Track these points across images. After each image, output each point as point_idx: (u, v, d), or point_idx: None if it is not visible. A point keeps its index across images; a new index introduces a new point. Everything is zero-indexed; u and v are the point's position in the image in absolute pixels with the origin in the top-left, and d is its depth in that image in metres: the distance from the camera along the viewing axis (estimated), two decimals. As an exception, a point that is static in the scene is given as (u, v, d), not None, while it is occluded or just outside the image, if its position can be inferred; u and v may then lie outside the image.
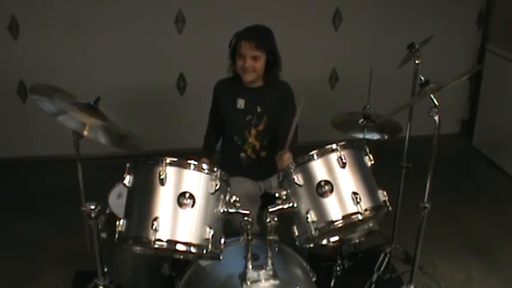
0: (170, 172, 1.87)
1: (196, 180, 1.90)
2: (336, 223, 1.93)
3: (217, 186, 1.91)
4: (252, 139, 2.66)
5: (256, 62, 2.54)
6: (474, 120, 4.57)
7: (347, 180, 1.97)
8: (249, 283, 1.98)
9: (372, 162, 2.08)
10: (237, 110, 2.65)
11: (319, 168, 1.98)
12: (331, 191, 1.94)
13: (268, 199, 2.53)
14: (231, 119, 2.68)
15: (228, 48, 2.61)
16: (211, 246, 1.86)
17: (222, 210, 1.93)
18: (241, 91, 2.64)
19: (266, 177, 2.72)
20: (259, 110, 2.63)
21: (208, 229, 1.86)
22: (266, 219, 1.97)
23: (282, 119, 2.60)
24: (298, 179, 1.98)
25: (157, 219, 1.81)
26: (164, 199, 1.85)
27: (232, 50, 2.59)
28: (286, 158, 2.26)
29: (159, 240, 1.80)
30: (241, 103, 2.64)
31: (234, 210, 1.95)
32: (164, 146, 3.98)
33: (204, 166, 1.92)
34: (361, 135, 2.60)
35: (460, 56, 4.51)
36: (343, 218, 1.93)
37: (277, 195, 2.02)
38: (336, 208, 1.94)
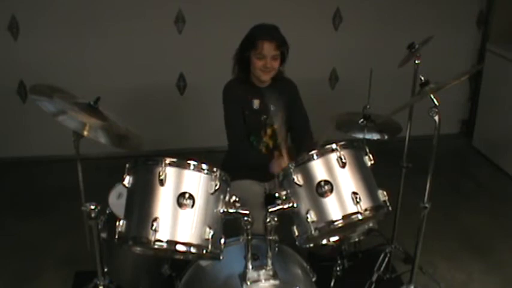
0: (170, 172, 1.87)
1: (196, 180, 1.90)
2: (335, 223, 1.93)
3: (217, 187, 1.91)
4: (266, 138, 2.68)
5: (276, 61, 2.57)
6: (474, 120, 4.57)
7: (347, 180, 1.97)
8: (249, 283, 1.98)
9: (372, 162, 2.08)
10: (254, 111, 2.65)
11: (319, 168, 1.98)
12: (331, 190, 1.94)
13: (271, 199, 2.53)
14: (247, 120, 2.67)
15: (240, 48, 2.60)
16: (211, 246, 1.86)
17: (221, 210, 1.93)
18: (254, 92, 2.65)
19: (271, 178, 2.71)
20: (272, 108, 2.64)
21: (208, 229, 1.86)
22: (266, 219, 1.97)
23: (295, 120, 2.70)
24: (298, 179, 1.98)
25: (157, 220, 1.81)
26: (164, 199, 1.85)
27: (245, 51, 2.58)
28: (282, 162, 2.37)
29: (159, 240, 1.80)
30: (256, 104, 2.65)
31: (234, 210, 1.95)
32: (164, 146, 3.98)
33: (204, 166, 1.92)
34: (361, 135, 2.60)
35: (460, 56, 4.51)
36: (343, 218, 1.92)
37: (277, 195, 2.02)
38: (335, 208, 1.93)
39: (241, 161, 2.63)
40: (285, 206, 1.99)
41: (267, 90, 2.66)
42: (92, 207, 2.13)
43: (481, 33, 4.48)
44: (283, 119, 2.64)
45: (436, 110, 2.13)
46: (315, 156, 1.98)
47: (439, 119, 2.14)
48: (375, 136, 2.63)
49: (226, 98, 2.67)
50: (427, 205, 2.29)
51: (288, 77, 2.75)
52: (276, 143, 2.68)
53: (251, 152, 2.67)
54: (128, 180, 1.93)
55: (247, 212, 1.96)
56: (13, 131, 4.20)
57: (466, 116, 4.77)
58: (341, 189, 1.95)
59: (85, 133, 2.06)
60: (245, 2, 4.03)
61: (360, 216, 1.92)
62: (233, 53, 2.67)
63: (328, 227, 1.93)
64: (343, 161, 1.97)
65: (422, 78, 2.24)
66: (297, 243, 2.02)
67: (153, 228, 1.79)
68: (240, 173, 2.54)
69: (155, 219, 1.80)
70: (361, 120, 2.67)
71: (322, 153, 1.99)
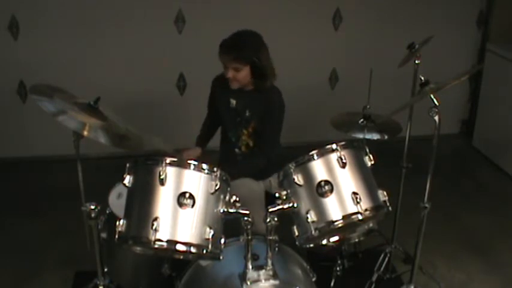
0: (170, 172, 1.88)
1: (196, 180, 1.90)
2: (336, 223, 1.93)
3: (217, 186, 1.91)
4: (245, 137, 2.67)
5: (238, 73, 2.51)
6: (474, 120, 4.57)
7: (347, 180, 1.97)
8: (249, 283, 1.98)
9: (372, 162, 2.08)
10: (230, 109, 2.66)
11: (319, 168, 1.98)
12: (331, 191, 1.94)
13: (269, 198, 2.53)
14: (224, 116, 2.70)
15: None
16: (211, 246, 1.86)
17: (222, 210, 1.93)
18: (233, 91, 2.62)
19: (265, 177, 2.72)
20: (247, 114, 2.62)
21: (208, 229, 1.86)
22: (266, 219, 1.97)
23: (264, 128, 2.62)
24: (298, 179, 1.98)
25: (157, 219, 1.81)
26: (164, 199, 1.85)
27: None
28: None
29: (159, 240, 1.80)
30: (233, 103, 2.65)
31: (234, 210, 1.95)
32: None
33: (204, 166, 1.92)
34: (361, 135, 2.60)
35: (460, 56, 4.51)
36: (343, 218, 1.93)
37: (277, 195, 2.02)
38: (336, 208, 1.94)
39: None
40: (285, 206, 1.99)
41: (246, 94, 2.62)
42: (92, 207, 2.13)
43: (481, 33, 4.48)
44: (255, 128, 2.64)
45: (436, 110, 2.13)
46: (315, 156, 1.99)
47: (439, 119, 2.14)
48: (375, 136, 2.62)
49: (211, 88, 2.79)
50: (427, 205, 2.29)
51: (278, 85, 2.65)
52: (256, 142, 2.67)
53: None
54: (128, 179, 1.93)
55: (247, 212, 1.96)
56: (13, 131, 4.20)
57: (466, 116, 4.77)
58: (341, 189, 1.95)
59: (85, 133, 2.06)
60: (245, 2, 4.03)
61: (360, 217, 1.93)
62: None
63: (328, 227, 1.94)
64: (344, 161, 1.97)
65: (422, 78, 2.24)
66: (297, 243, 2.03)
67: (154, 227, 1.79)
68: (232, 168, 2.52)
69: (155, 219, 1.81)
70: (361, 120, 2.67)
71: (323, 153, 2.00)
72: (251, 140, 2.66)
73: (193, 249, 1.85)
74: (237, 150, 2.70)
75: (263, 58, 2.53)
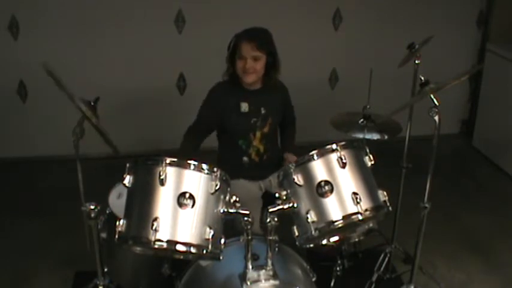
0: (170, 172, 1.87)
1: (196, 180, 1.90)
2: (336, 223, 1.93)
3: (217, 187, 1.91)
4: (256, 142, 2.65)
5: (257, 63, 2.52)
6: (474, 120, 4.57)
7: (347, 181, 1.97)
8: (249, 283, 1.98)
9: (372, 162, 2.08)
10: (242, 114, 2.61)
11: (319, 168, 1.98)
12: (331, 191, 1.94)
13: (269, 198, 2.53)
14: (235, 124, 2.63)
15: (227, 51, 2.58)
16: (211, 246, 1.86)
17: (222, 211, 1.93)
18: (242, 95, 2.61)
19: (265, 177, 2.72)
20: (263, 111, 2.62)
21: (208, 229, 1.86)
22: (266, 219, 1.97)
23: (286, 119, 2.77)
24: (298, 179, 1.98)
25: (157, 220, 1.81)
26: (164, 199, 1.85)
27: (231, 52, 2.56)
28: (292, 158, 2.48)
29: (159, 240, 1.80)
30: (245, 107, 2.61)
31: (234, 210, 1.95)
32: (164, 146, 3.98)
33: (204, 166, 1.92)
34: (361, 135, 2.60)
35: (460, 56, 4.51)
36: (343, 218, 1.93)
37: (277, 195, 2.02)
38: (336, 208, 1.94)
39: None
40: (285, 206, 1.99)
41: (256, 93, 2.63)
42: (92, 207, 2.12)
43: (481, 33, 4.49)
44: (272, 125, 2.65)
45: (436, 110, 2.13)
46: (315, 157, 1.99)
47: (439, 119, 2.14)
48: (375, 136, 2.62)
49: (205, 100, 2.68)
50: (427, 205, 2.29)
51: (280, 80, 2.72)
52: (266, 147, 2.67)
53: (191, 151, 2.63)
54: (128, 179, 1.93)
55: (247, 212, 1.96)
56: (13, 131, 4.19)
57: (466, 116, 4.78)
58: (341, 189, 1.95)
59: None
60: (245, 2, 4.03)
61: (360, 217, 1.93)
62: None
63: (329, 227, 1.94)
64: (344, 161, 1.97)
65: (422, 78, 2.24)
66: (297, 243, 2.03)
67: (153, 228, 1.79)
68: (233, 172, 2.53)
69: (155, 219, 1.80)
70: (361, 120, 2.67)
71: (323, 153, 1.99)
72: (261, 145, 2.65)
73: (193, 250, 1.84)
74: (245, 158, 2.66)
75: (276, 51, 2.60)
